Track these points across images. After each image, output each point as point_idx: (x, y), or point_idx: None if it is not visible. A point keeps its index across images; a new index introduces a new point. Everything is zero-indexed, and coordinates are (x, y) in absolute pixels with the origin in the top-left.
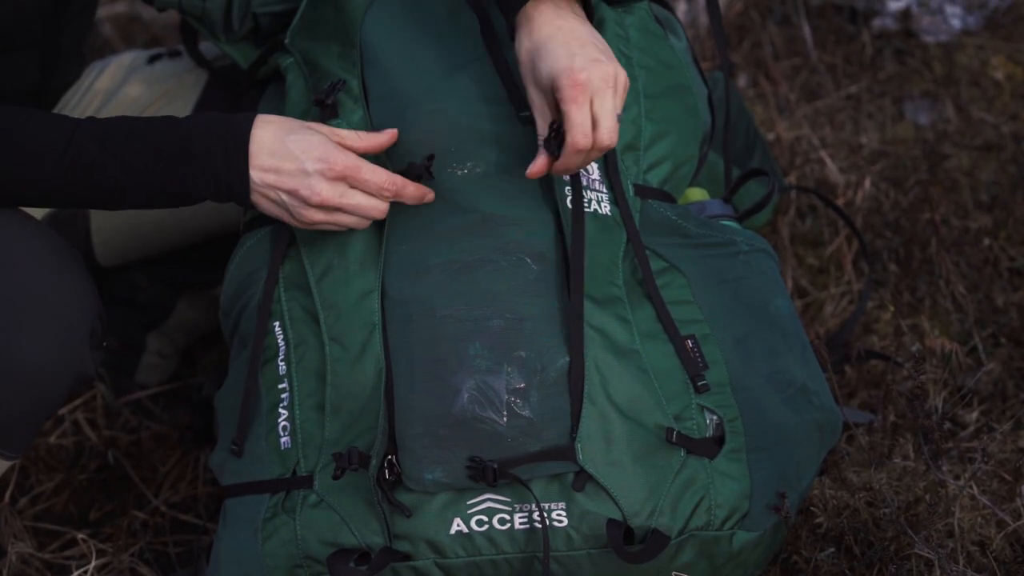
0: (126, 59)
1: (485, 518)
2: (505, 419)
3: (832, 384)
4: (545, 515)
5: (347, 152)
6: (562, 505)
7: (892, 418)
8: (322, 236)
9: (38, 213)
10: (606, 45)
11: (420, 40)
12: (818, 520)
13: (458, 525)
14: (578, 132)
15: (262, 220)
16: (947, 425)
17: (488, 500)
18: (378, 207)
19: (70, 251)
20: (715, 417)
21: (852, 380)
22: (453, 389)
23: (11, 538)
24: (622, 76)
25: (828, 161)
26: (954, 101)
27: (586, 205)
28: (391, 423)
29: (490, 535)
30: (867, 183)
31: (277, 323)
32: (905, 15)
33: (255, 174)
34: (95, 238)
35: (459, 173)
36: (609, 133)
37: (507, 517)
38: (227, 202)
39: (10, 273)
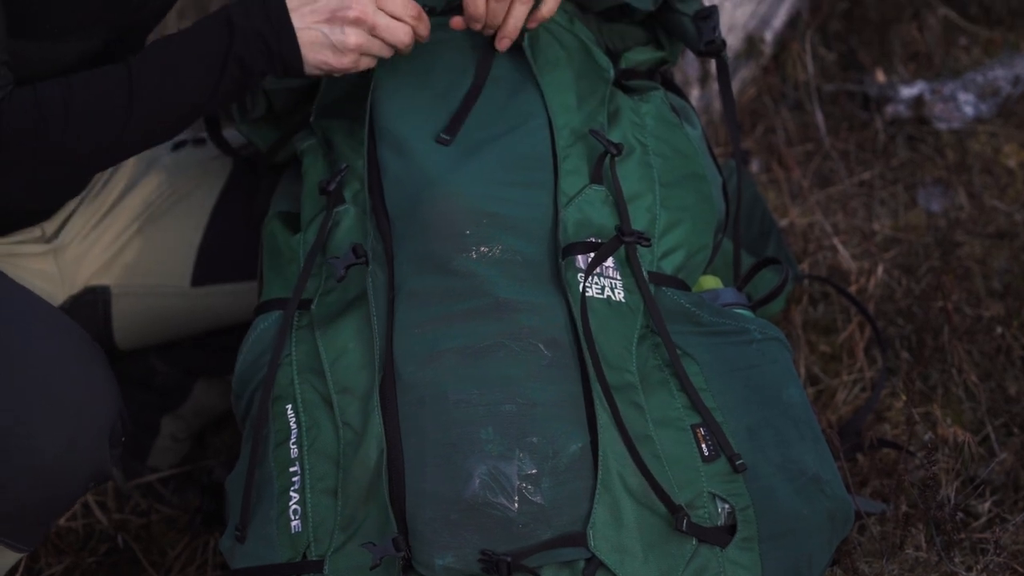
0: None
1: None
2: (517, 505)
3: (844, 473)
4: None
5: None
6: None
7: (904, 508)
8: (336, 321)
9: (58, 297)
10: None
11: (434, 118)
12: None
13: None
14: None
15: (274, 304)
16: (959, 516)
17: None
18: (405, 30)
19: (93, 347)
20: (727, 506)
21: (864, 469)
22: (465, 474)
23: None
24: None
25: (840, 248)
26: (967, 188)
27: (599, 292)
28: (401, 506)
29: None
30: (880, 270)
31: (290, 406)
32: (918, 102)
33: (296, 20)
34: (115, 322)
35: (473, 256)
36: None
37: None
38: (283, 73)
39: (34, 366)
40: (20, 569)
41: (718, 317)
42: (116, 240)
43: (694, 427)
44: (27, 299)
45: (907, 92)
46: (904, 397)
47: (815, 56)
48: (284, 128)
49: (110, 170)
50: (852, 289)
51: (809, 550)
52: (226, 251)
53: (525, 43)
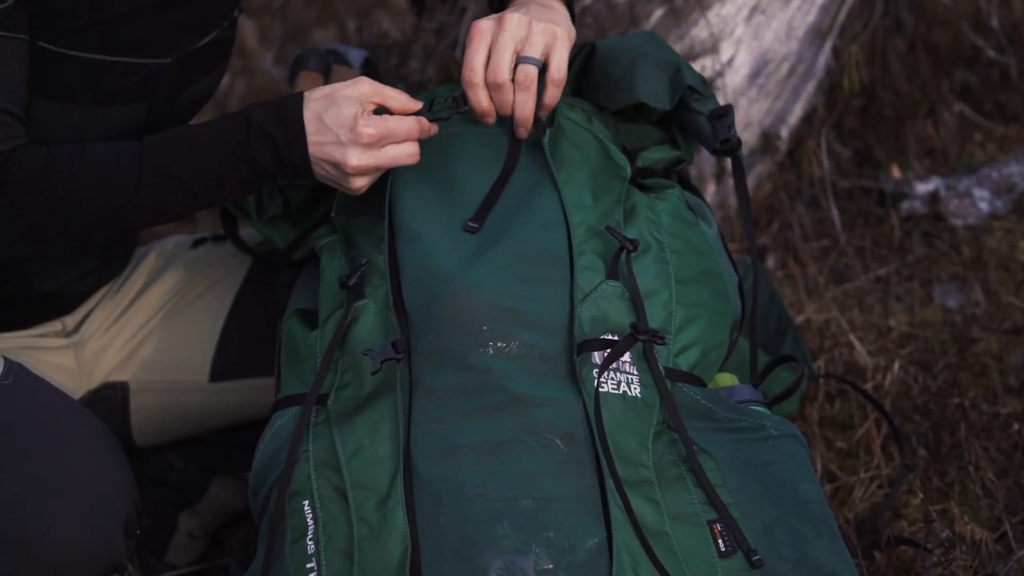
0: (170, 243)
1: None
2: None
3: (862, 570)
4: None
5: (373, 119)
6: None
7: None
8: (352, 416)
9: (76, 391)
10: (556, 12)
11: (452, 214)
12: None
13: None
14: (464, 72)
15: (292, 400)
16: None
17: None
18: (411, 152)
19: (110, 437)
20: None
21: (882, 566)
22: (481, 569)
23: None
24: (548, 30)
25: (857, 344)
26: (982, 285)
27: (615, 387)
28: None
29: None
30: (896, 367)
31: (307, 502)
32: (933, 198)
33: (309, 132)
34: (133, 418)
35: (490, 352)
36: (494, 70)
37: None
38: (294, 178)
39: (50, 456)
40: None
41: (734, 414)
42: (135, 336)
43: (710, 523)
44: (46, 390)
45: (922, 188)
46: (921, 494)
47: (830, 152)
48: (301, 226)
49: (131, 266)
50: (868, 386)
51: None
52: (244, 347)
53: (545, 140)
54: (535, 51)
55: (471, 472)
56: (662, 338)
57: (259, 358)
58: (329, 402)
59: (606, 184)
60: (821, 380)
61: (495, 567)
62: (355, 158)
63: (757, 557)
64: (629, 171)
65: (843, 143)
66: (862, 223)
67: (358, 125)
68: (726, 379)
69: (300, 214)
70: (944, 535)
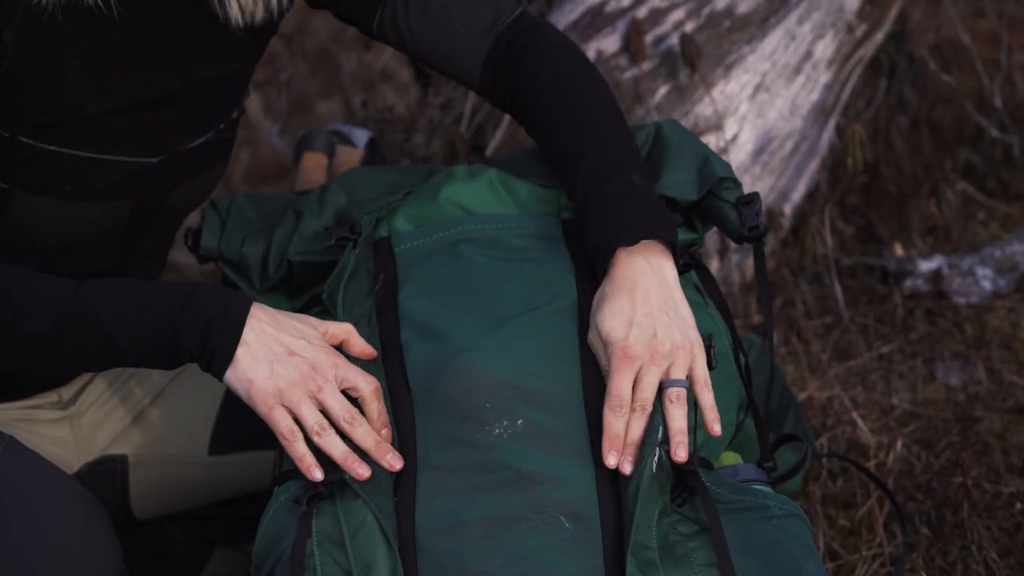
0: None
1: None
2: None
3: None
4: None
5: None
6: None
7: None
8: (355, 493)
9: (74, 464)
10: (681, 306)
11: (461, 300)
12: None
13: None
14: (613, 398)
15: (295, 473)
16: None
17: None
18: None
19: (98, 509)
20: None
21: None
22: None
23: None
24: (690, 339)
25: (859, 422)
26: (985, 363)
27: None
28: None
29: None
30: (899, 445)
31: None
32: (936, 276)
33: (249, 330)
34: (133, 491)
35: (495, 431)
36: (642, 403)
37: None
38: (205, 367)
39: (33, 528)
40: None
41: (738, 494)
42: (134, 408)
43: None
44: (35, 463)
45: (925, 266)
46: (924, 574)
47: (834, 230)
48: (299, 300)
49: None
50: (871, 464)
51: None
52: (244, 420)
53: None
54: (681, 372)
55: (476, 548)
56: (708, 464)
57: (259, 431)
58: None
59: None
60: (824, 459)
61: None
62: (287, 385)
63: None
64: None
65: (846, 220)
66: (865, 300)
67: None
68: (731, 458)
69: (300, 289)
70: None
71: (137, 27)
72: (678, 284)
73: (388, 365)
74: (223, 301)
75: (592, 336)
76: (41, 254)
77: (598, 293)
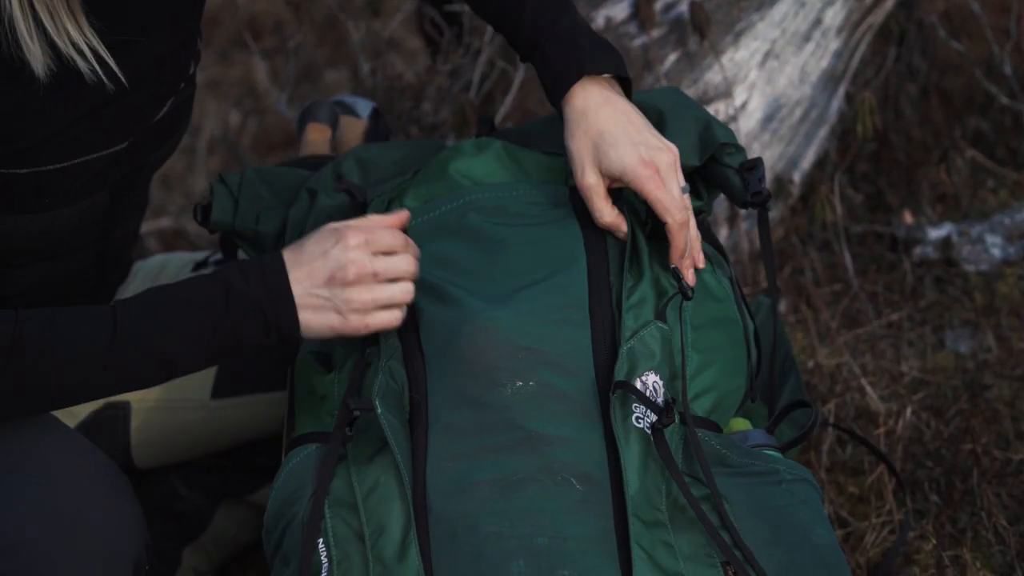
0: (170, 263)
1: None
2: None
3: None
4: None
5: (353, 220)
6: None
7: None
8: (370, 457)
9: (80, 411)
10: (650, 125)
11: (471, 267)
12: None
13: None
14: (675, 209)
15: (308, 438)
16: None
17: None
18: (407, 261)
19: (120, 476)
20: None
21: None
22: None
23: None
24: (676, 153)
25: (869, 389)
26: (995, 331)
27: (636, 421)
28: None
29: None
30: (908, 412)
31: (320, 540)
32: (946, 244)
33: (295, 287)
34: (134, 438)
35: (507, 392)
36: (685, 209)
37: None
38: (278, 343)
39: (58, 498)
40: None
41: (747, 458)
42: None
43: (724, 564)
44: (55, 427)
45: (935, 234)
46: (933, 540)
47: (843, 197)
48: None
49: (130, 279)
50: (880, 431)
51: None
52: (247, 363)
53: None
54: (682, 179)
55: (486, 510)
56: (716, 427)
57: (261, 374)
58: (348, 443)
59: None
60: (831, 427)
61: None
62: (351, 258)
63: None
64: (647, 219)
65: (856, 188)
66: (874, 268)
67: (339, 229)
68: (740, 424)
69: None
70: None
71: None
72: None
73: (401, 327)
74: (260, 278)
75: (589, 179)
76: (21, 261)
77: (579, 134)
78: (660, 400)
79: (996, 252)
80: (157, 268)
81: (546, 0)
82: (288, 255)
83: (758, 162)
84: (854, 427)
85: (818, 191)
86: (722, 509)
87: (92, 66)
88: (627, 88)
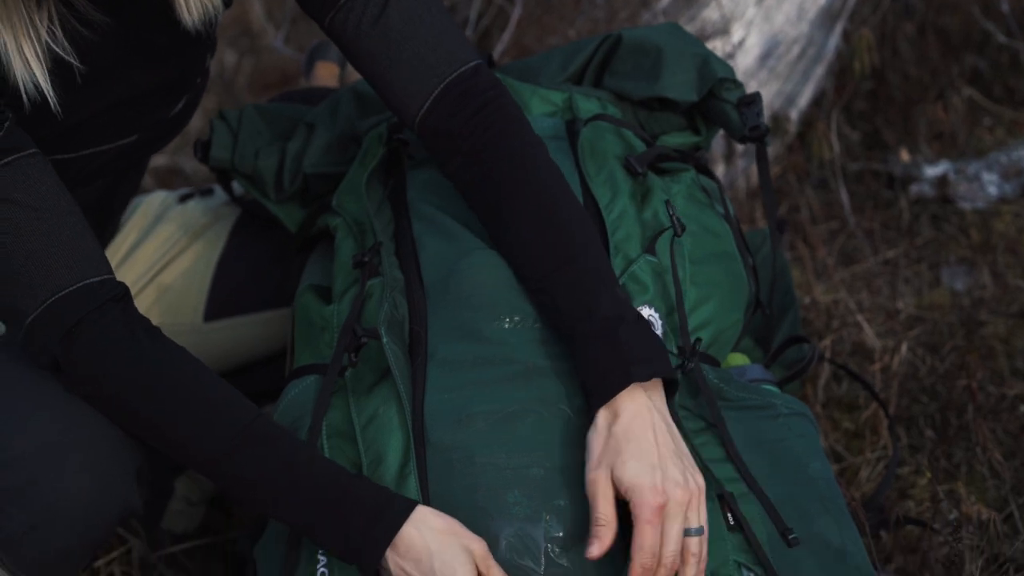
0: (157, 198)
1: None
2: (543, 567)
3: (870, 549)
4: None
5: None
6: None
7: None
8: (369, 388)
9: None
10: (684, 446)
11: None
12: None
13: None
14: (647, 553)
15: (307, 370)
16: None
17: None
18: None
19: None
20: (752, 575)
21: (888, 546)
22: (492, 537)
23: None
24: (695, 491)
25: (865, 326)
26: (990, 268)
27: None
28: None
29: None
30: (904, 348)
31: None
32: (942, 182)
33: (393, 565)
34: None
35: (505, 325)
36: (671, 556)
37: None
38: (346, 563)
39: (59, 409)
40: None
41: (745, 392)
42: (134, 284)
43: (719, 497)
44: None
45: (931, 172)
46: (928, 475)
47: (840, 135)
48: (313, 207)
49: (124, 215)
50: (876, 367)
51: None
52: (238, 286)
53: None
54: (699, 519)
55: (483, 441)
56: (715, 361)
57: (252, 296)
58: (347, 375)
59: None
60: (827, 362)
61: (506, 534)
62: None
63: (793, 536)
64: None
65: (852, 126)
66: (871, 206)
67: None
68: (737, 359)
69: (314, 197)
70: (951, 516)
71: (122, 33)
72: (673, 424)
73: (402, 258)
74: (371, 519)
75: (599, 475)
76: None
77: (600, 431)
78: (658, 332)
79: (992, 190)
80: (144, 207)
81: (585, 274)
82: (416, 535)
83: (756, 97)
84: (849, 363)
85: (815, 129)
86: (727, 438)
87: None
88: (671, 388)
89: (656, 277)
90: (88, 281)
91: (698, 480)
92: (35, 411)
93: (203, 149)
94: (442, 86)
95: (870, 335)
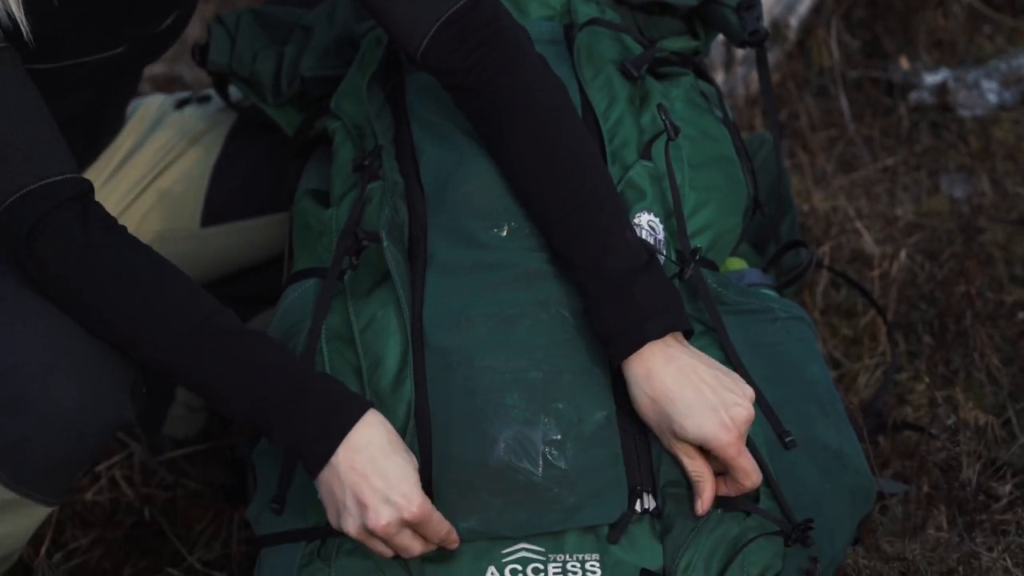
0: (154, 103)
1: (519, 567)
2: (541, 469)
3: (868, 454)
4: (578, 565)
5: (425, 497)
6: (596, 556)
7: (926, 489)
8: (368, 292)
9: None
10: (714, 362)
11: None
12: None
13: (492, 573)
14: (755, 474)
15: (306, 273)
16: (981, 497)
17: (523, 550)
18: (419, 550)
19: None
20: None
21: (886, 451)
22: (490, 439)
23: None
24: (751, 397)
25: (864, 233)
26: (989, 175)
27: None
28: (427, 470)
29: None
30: (902, 255)
31: None
32: (942, 89)
33: (343, 463)
34: None
35: (504, 232)
36: (757, 472)
37: (541, 567)
38: (296, 460)
39: (53, 320)
40: (47, 542)
41: (743, 296)
42: (128, 194)
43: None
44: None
45: (931, 79)
46: (927, 380)
47: (840, 42)
48: (310, 111)
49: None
50: (874, 274)
51: (831, 525)
52: (235, 191)
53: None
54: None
55: (482, 343)
56: (713, 265)
57: (250, 200)
58: (346, 278)
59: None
60: (825, 269)
61: (503, 437)
62: (388, 522)
63: (791, 439)
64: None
65: (852, 33)
66: (870, 113)
67: (413, 494)
68: (735, 263)
69: (312, 101)
70: (949, 421)
71: None
72: (696, 351)
73: (402, 163)
74: (326, 415)
75: (669, 441)
76: None
77: (643, 397)
78: (659, 238)
79: (992, 97)
80: (142, 112)
81: (605, 216)
82: (371, 435)
83: (756, 1)
84: (848, 270)
85: (815, 36)
86: (726, 342)
87: None
88: (687, 334)
89: (654, 182)
90: (50, 180)
91: (746, 389)
92: (28, 323)
93: (201, 53)
94: (439, 23)
95: (869, 242)
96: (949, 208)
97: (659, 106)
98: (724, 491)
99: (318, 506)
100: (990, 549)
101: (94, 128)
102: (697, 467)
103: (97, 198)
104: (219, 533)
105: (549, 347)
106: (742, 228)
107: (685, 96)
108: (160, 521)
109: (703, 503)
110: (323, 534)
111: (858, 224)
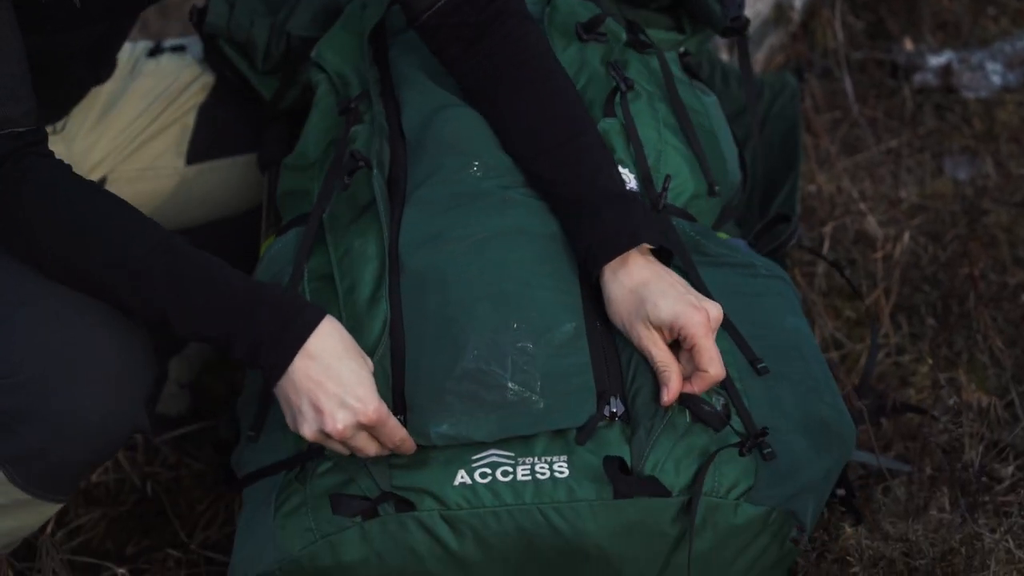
0: (124, 51)
1: (488, 471)
2: (510, 374)
3: (869, 435)
4: (547, 467)
5: (381, 401)
6: (564, 458)
7: (929, 471)
8: (346, 226)
9: None
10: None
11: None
12: (854, 570)
13: (462, 477)
14: (717, 362)
15: (288, 226)
16: (983, 479)
17: (492, 455)
18: (374, 451)
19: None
20: (722, 399)
21: (888, 432)
22: (460, 345)
23: (51, 572)
24: (720, 310)
25: (868, 214)
26: (993, 157)
27: None
28: (400, 383)
29: (493, 487)
30: (906, 237)
31: None
32: (946, 71)
33: (299, 371)
34: None
35: (479, 174)
36: (722, 365)
37: (510, 469)
38: (255, 370)
39: (73, 331)
40: (51, 521)
41: (725, 249)
42: (121, 129)
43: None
44: None
45: (935, 61)
46: (930, 362)
47: (844, 24)
48: (287, 75)
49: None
50: (878, 255)
51: (800, 450)
52: (219, 130)
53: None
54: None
55: (456, 261)
56: (688, 216)
57: (234, 137)
58: (324, 216)
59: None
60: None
61: (474, 343)
62: (345, 425)
63: (763, 365)
64: (624, 36)
65: (856, 15)
66: (874, 95)
67: (369, 398)
68: (720, 236)
69: (293, 62)
70: (952, 402)
71: None
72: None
73: (387, 111)
74: (282, 325)
75: (639, 330)
76: None
77: (619, 289)
78: (632, 187)
79: (996, 79)
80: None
81: (596, 151)
82: (326, 342)
83: None
84: (852, 251)
85: (819, 17)
86: (694, 275)
87: None
88: (666, 260)
89: (619, 137)
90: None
91: (717, 304)
92: (48, 334)
93: (199, 15)
94: None
95: (872, 224)
96: (953, 190)
97: (610, 63)
98: (690, 388)
99: (296, 439)
100: (992, 530)
101: (96, 63)
102: (664, 357)
103: (84, 143)
104: (218, 515)
105: (522, 263)
106: (722, 204)
107: (665, 67)
108: (163, 500)
109: (669, 392)
110: (301, 460)
111: (862, 206)
